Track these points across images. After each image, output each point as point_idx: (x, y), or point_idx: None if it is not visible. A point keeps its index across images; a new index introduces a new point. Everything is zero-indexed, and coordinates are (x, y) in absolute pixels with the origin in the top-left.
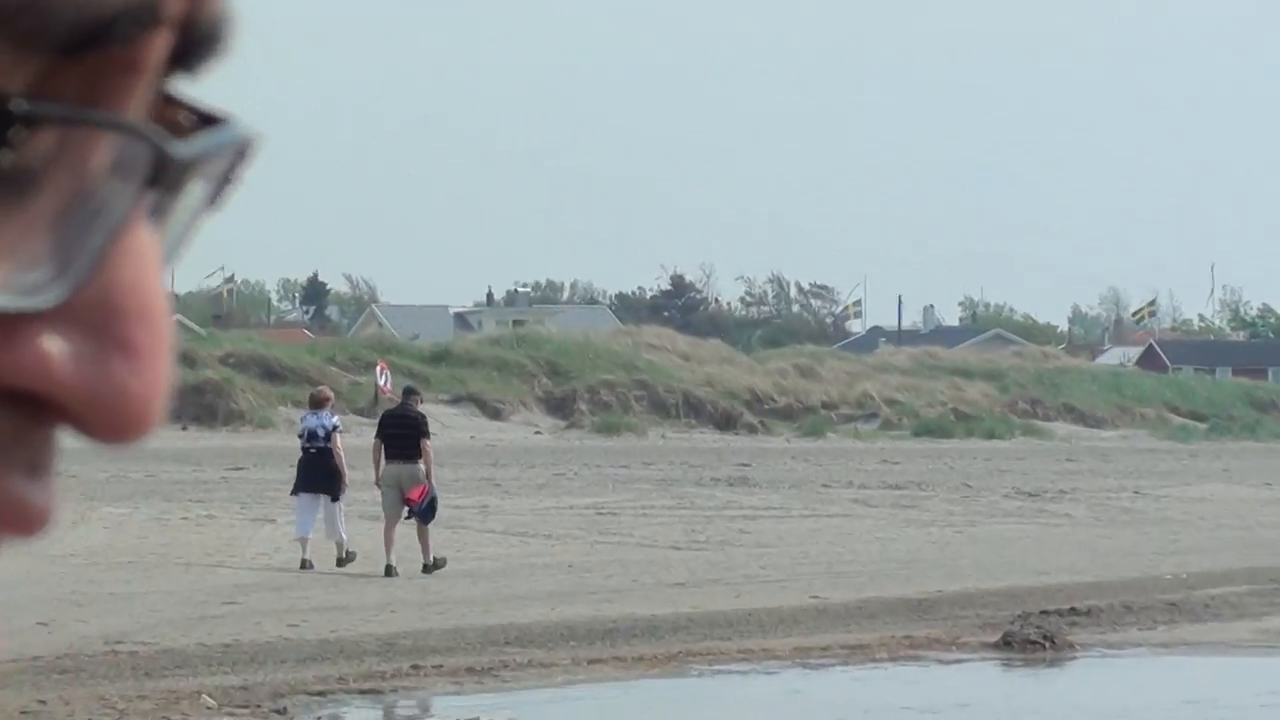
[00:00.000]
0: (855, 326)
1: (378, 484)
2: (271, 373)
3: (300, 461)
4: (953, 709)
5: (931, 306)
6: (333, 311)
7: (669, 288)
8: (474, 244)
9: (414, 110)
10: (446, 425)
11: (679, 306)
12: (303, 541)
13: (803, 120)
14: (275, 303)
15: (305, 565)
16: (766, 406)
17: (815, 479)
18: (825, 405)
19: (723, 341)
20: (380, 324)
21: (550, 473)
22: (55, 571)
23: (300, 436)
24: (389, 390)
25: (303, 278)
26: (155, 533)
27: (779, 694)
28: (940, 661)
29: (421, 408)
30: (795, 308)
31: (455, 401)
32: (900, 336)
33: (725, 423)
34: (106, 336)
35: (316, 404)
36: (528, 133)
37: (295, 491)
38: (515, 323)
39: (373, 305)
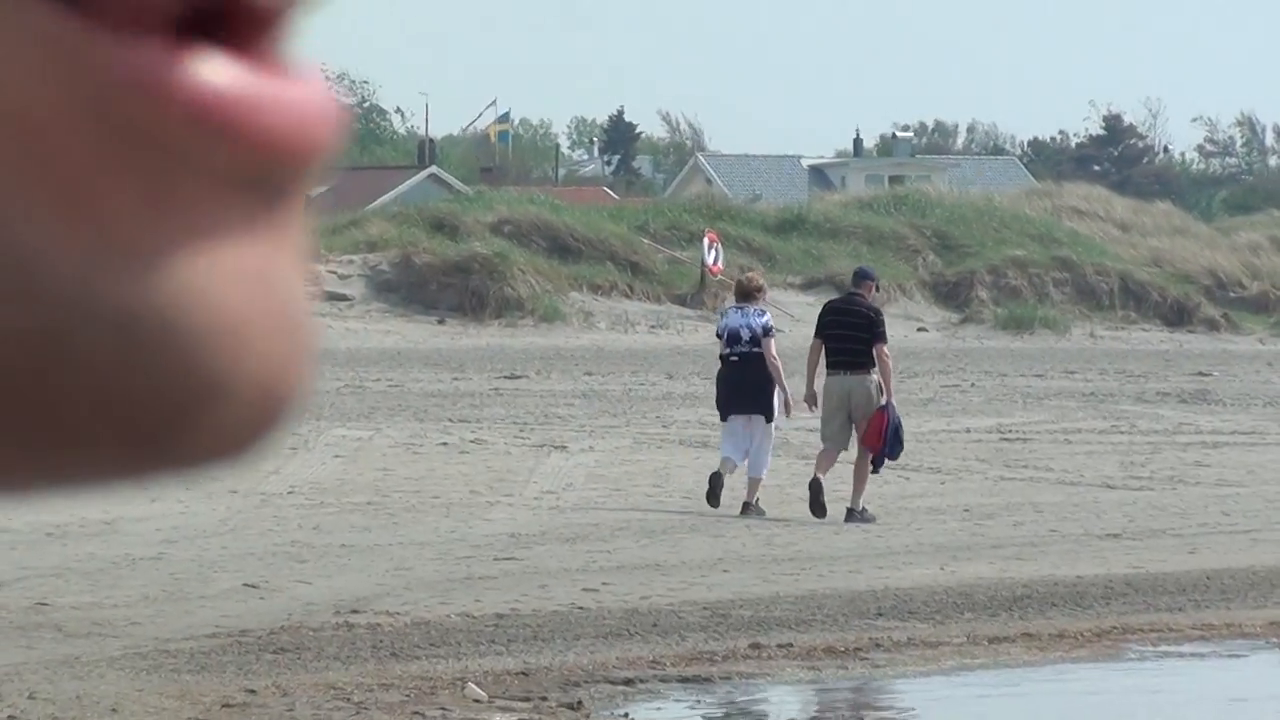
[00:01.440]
0: None
1: (810, 400)
2: (561, 246)
3: (720, 375)
4: None
5: None
6: (644, 164)
7: (1101, 132)
8: (836, 73)
9: None
10: (798, 318)
11: (1114, 158)
12: (725, 466)
13: None
14: (566, 151)
15: (714, 493)
16: (1234, 294)
17: None
18: None
19: (1175, 206)
20: (709, 181)
21: (939, 384)
22: (268, 515)
23: (719, 337)
24: (720, 270)
25: (603, 117)
26: (403, 463)
27: (1251, 685)
28: None
29: (768, 295)
30: (1273, 160)
31: (810, 286)
32: None
33: (1177, 316)
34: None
35: (743, 295)
36: None
37: (723, 417)
38: (892, 180)
39: (698, 155)
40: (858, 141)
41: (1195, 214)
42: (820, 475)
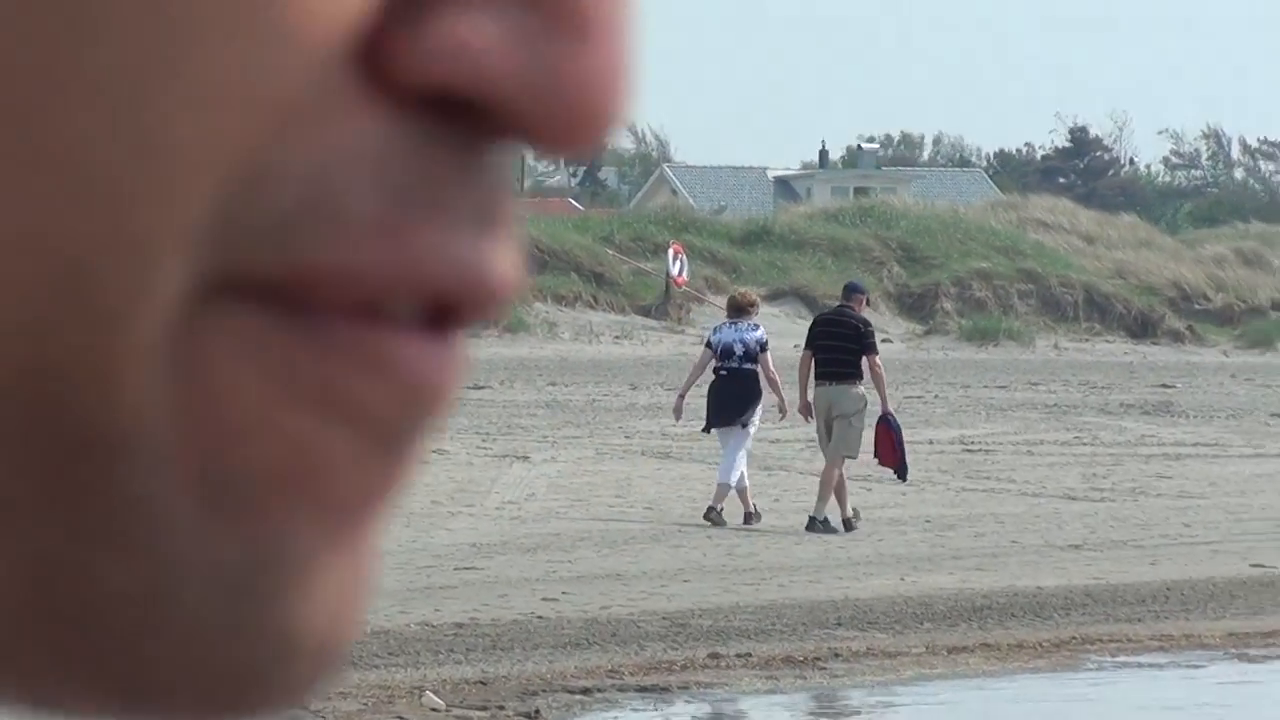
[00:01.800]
0: None
1: (803, 410)
2: (527, 257)
3: (710, 388)
4: None
5: None
6: (609, 175)
7: (1067, 145)
8: (802, 84)
9: None
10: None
11: (1080, 171)
12: (740, 492)
13: None
14: (532, 161)
15: (751, 517)
16: (1198, 307)
17: (1262, 405)
18: (1277, 305)
19: (1140, 218)
20: (674, 192)
21: (902, 395)
22: None
23: (709, 348)
24: (685, 281)
25: None
26: None
27: (1208, 697)
28: None
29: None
30: (1238, 173)
31: (775, 298)
32: None
33: (1141, 328)
34: (544, 8)
35: (736, 311)
36: None
37: (708, 428)
38: (858, 191)
39: (664, 166)
40: (823, 153)
41: (1160, 226)
42: (849, 513)
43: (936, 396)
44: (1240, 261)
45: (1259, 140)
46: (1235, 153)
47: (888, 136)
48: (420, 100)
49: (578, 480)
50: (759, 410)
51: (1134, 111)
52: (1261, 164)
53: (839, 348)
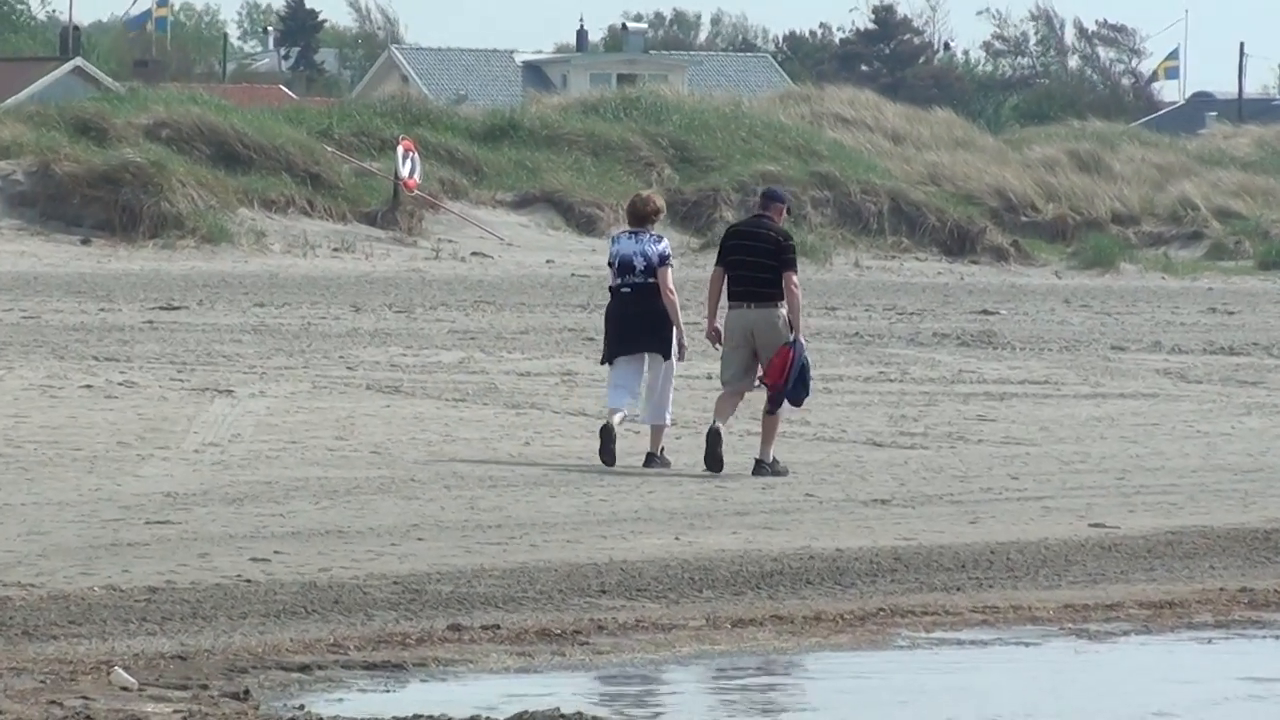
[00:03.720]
0: (1169, 92)
1: (712, 336)
2: (229, 154)
3: (609, 310)
4: None
5: None
6: (328, 58)
7: (870, 27)
8: None
9: None
10: (510, 242)
11: (886, 57)
12: (612, 416)
13: None
14: (236, 42)
15: (608, 448)
16: (1025, 219)
17: (1101, 336)
18: (1118, 219)
19: (956, 114)
20: (405, 79)
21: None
22: None
23: (610, 266)
24: (416, 184)
25: (279, 2)
26: (39, 409)
27: (1040, 680)
28: None
29: (475, 212)
30: (1073, 61)
31: (523, 204)
32: (1241, 109)
33: (958, 244)
34: None
35: (637, 219)
36: None
37: (608, 358)
38: (622, 79)
39: (392, 49)
40: (581, 34)
41: (980, 124)
42: (720, 424)
43: None
44: (1075, 166)
45: (1097, 23)
46: (1069, 37)
47: (657, 15)
48: None
49: (291, 419)
50: (681, 339)
51: None
52: (1100, 51)
53: (756, 264)
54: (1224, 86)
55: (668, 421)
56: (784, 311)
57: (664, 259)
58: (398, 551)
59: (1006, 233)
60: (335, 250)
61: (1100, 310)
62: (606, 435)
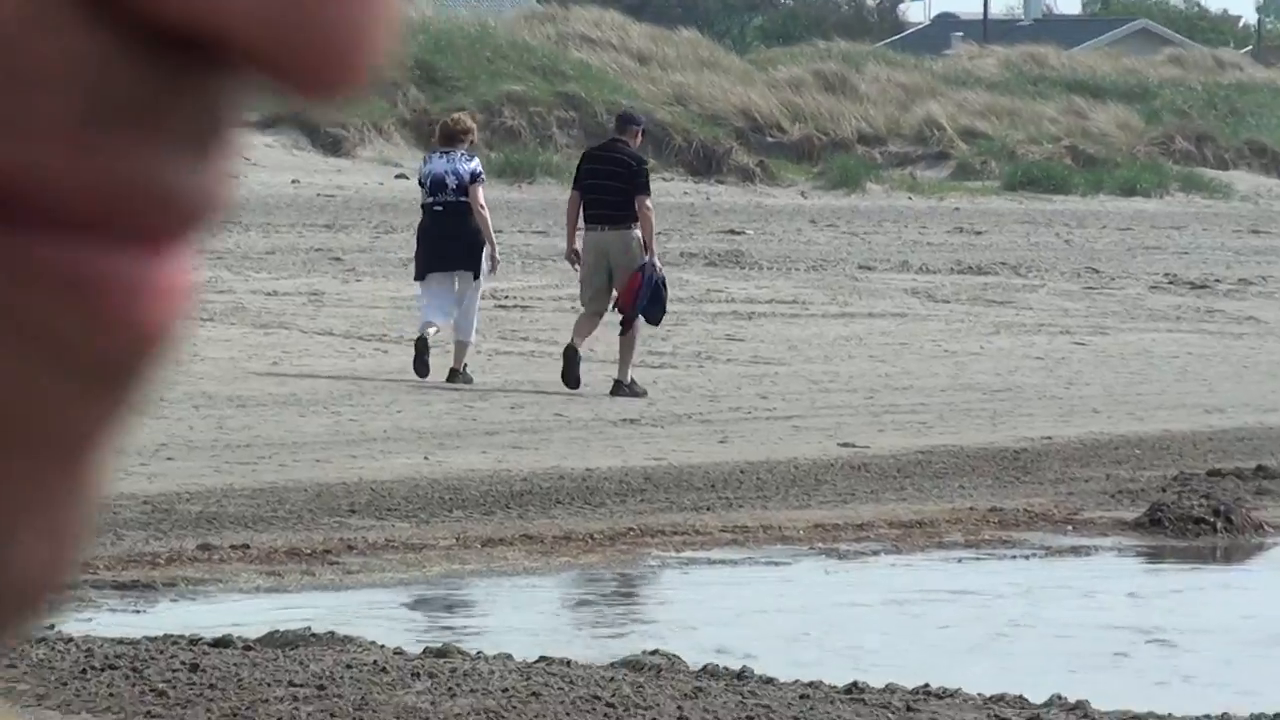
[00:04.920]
0: (915, 13)
1: (571, 258)
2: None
3: (421, 227)
4: (1075, 628)
5: None
6: None
7: None
8: None
9: None
10: (255, 163)
11: None
12: (426, 329)
13: None
14: None
15: (421, 360)
16: (771, 139)
17: (848, 256)
18: (864, 139)
19: (701, 34)
20: None
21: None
22: None
23: (421, 186)
24: None
25: None
26: None
27: (786, 599)
28: (1047, 549)
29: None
30: None
31: (267, 125)
32: (987, 30)
33: (704, 165)
34: None
35: (448, 138)
36: None
37: (421, 274)
38: None
39: None
40: None
41: (726, 44)
42: (577, 342)
43: None
44: (820, 86)
45: None
46: None
47: None
48: (150, 26)
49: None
50: (485, 254)
51: None
52: None
53: (610, 187)
54: (968, 6)
55: (472, 339)
56: (638, 233)
57: (475, 176)
58: (146, 471)
59: (753, 153)
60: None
61: (847, 230)
62: (421, 347)
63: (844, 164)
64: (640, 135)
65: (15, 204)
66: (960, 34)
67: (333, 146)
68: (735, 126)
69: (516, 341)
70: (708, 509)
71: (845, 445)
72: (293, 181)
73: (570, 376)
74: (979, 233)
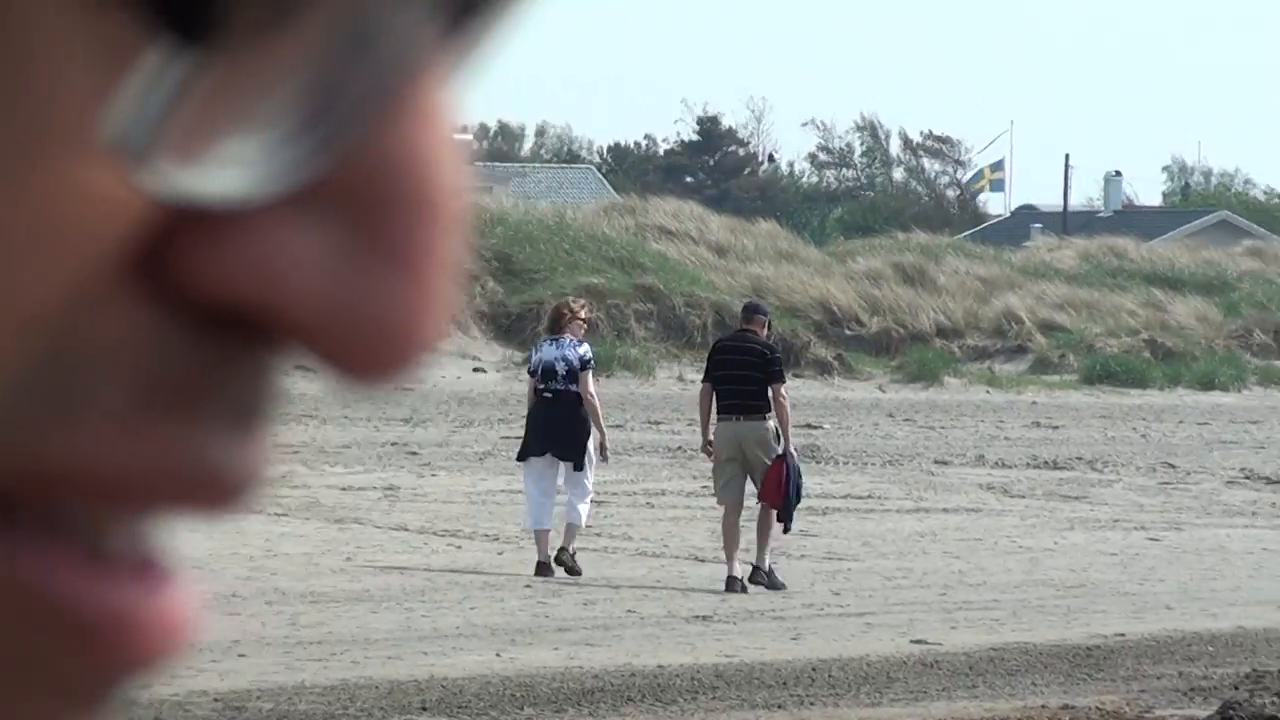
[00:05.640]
0: (994, 205)
1: (706, 450)
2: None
3: (531, 411)
4: None
5: (1118, 174)
6: None
7: (694, 138)
8: None
9: None
10: None
11: (710, 169)
12: (540, 535)
13: None
14: None
15: (545, 568)
16: (849, 332)
17: (925, 450)
18: (943, 332)
19: (781, 226)
20: None
21: (497, 435)
22: None
23: (532, 375)
24: None
25: None
26: None
27: None
28: None
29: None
30: (898, 173)
31: None
32: (1066, 221)
33: (782, 358)
34: (366, 232)
35: (556, 326)
36: None
37: (524, 455)
38: None
39: None
40: None
41: (805, 236)
42: (733, 566)
43: None
44: (899, 279)
45: (923, 134)
46: (895, 149)
47: (481, 126)
48: (202, 307)
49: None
50: (592, 443)
51: (775, 99)
52: (925, 162)
53: (743, 377)
54: (1049, 199)
55: (582, 522)
56: (772, 423)
57: (585, 363)
58: (219, 668)
59: (830, 346)
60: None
61: (924, 424)
62: (543, 570)
63: (922, 357)
64: (768, 325)
65: (46, 493)
66: (1039, 226)
67: None
68: (813, 319)
69: (590, 537)
70: (779, 707)
71: (918, 642)
72: None
73: (733, 585)
74: (1056, 427)
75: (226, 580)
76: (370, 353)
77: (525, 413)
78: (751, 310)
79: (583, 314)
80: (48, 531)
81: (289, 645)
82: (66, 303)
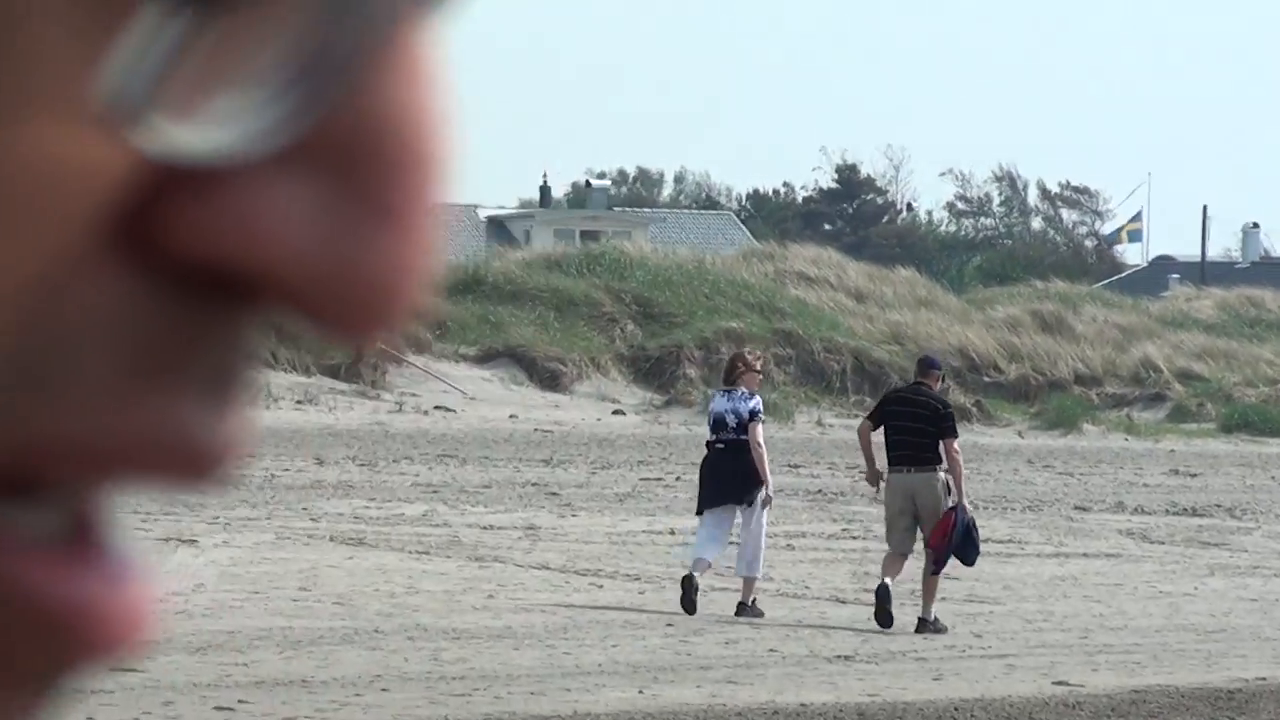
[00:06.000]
0: (1132, 255)
1: (873, 480)
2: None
3: (705, 462)
4: None
5: (1255, 226)
6: None
7: (834, 185)
8: (521, 109)
9: None
10: (473, 396)
11: (849, 216)
12: (697, 567)
13: None
14: None
15: (689, 599)
16: (988, 379)
17: (1064, 496)
18: (1081, 380)
19: (919, 273)
20: None
21: (637, 476)
22: None
23: (709, 426)
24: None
25: None
26: None
27: None
28: None
29: (438, 366)
30: (1036, 222)
31: (487, 358)
32: (1204, 271)
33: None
34: (352, 189)
35: (730, 377)
36: None
37: (701, 509)
38: (585, 235)
39: None
40: (545, 190)
41: (944, 283)
42: (888, 580)
43: (678, 479)
44: (1038, 327)
45: (1060, 184)
46: (1033, 198)
47: (621, 172)
48: (186, 269)
49: (255, 569)
50: (767, 491)
51: (913, 148)
52: (1063, 212)
53: (917, 429)
54: (1186, 249)
55: (759, 573)
56: (944, 475)
57: (754, 415)
58: (361, 702)
59: (969, 393)
60: (299, 403)
61: (1063, 470)
62: (688, 585)
63: (1061, 404)
64: (941, 379)
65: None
66: (1177, 276)
67: (550, 382)
68: (952, 366)
69: (731, 578)
70: None
71: (1059, 684)
72: (510, 416)
73: (883, 614)
74: (1194, 474)
75: (368, 615)
76: (355, 309)
77: (665, 454)
78: (927, 365)
79: (758, 365)
80: (15, 521)
81: (431, 680)
82: (48, 270)
